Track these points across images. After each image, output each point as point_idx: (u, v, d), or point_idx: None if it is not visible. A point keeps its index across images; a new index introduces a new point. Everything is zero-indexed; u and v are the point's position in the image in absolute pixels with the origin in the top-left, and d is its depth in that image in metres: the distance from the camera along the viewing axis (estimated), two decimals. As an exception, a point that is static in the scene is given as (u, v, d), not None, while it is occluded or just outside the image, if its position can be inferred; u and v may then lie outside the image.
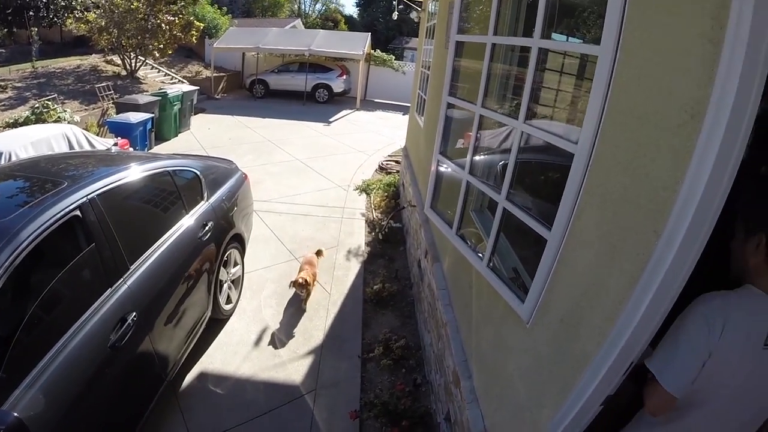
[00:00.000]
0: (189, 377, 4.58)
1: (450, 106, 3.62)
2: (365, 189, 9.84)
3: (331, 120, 17.60)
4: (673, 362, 1.77)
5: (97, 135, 11.40)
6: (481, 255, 2.86)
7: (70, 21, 18.87)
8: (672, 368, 1.78)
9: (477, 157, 3.19)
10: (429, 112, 6.25)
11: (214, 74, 21.72)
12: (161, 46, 18.18)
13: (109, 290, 3.28)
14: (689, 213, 1.39)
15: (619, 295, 1.64)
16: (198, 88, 16.10)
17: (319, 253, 6.42)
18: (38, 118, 11.72)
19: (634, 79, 1.65)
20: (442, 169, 3.79)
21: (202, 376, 4.61)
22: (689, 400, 1.82)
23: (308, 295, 5.63)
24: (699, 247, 1.45)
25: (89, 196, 3.34)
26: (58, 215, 3.03)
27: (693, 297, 1.76)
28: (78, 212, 3.19)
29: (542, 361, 2.17)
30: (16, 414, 2.28)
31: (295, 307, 5.63)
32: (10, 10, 21.37)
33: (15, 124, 11.34)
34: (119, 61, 19.38)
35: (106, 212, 3.44)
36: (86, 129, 11.83)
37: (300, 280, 5.45)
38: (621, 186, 1.67)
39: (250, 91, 22.42)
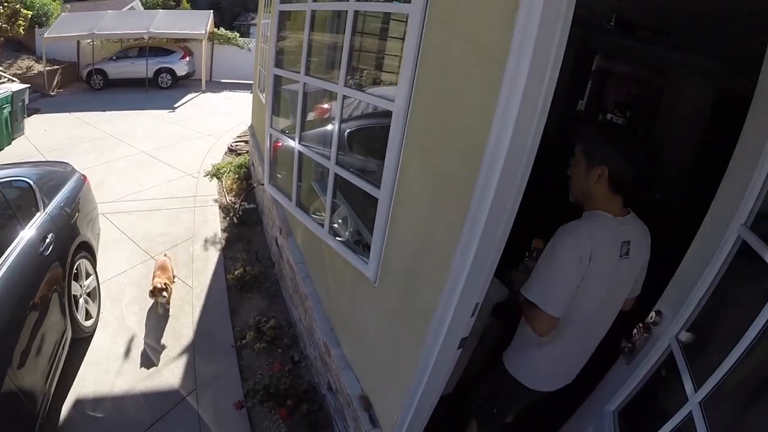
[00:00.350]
0: (65, 408, 4.30)
1: (278, 78, 3.63)
2: (216, 174, 9.60)
3: (176, 106, 16.72)
4: (552, 290, 2.06)
5: None
6: (322, 222, 2.93)
7: None
8: (552, 296, 2.06)
9: (310, 132, 3.24)
10: (269, 87, 6.19)
11: (47, 68, 19.15)
12: None
13: None
14: (501, 156, 1.52)
15: (449, 243, 1.77)
16: (29, 85, 14.29)
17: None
18: None
19: (442, 33, 1.75)
20: (279, 142, 3.81)
21: (78, 404, 4.36)
22: (566, 316, 2.12)
23: (169, 297, 5.42)
24: (516, 190, 1.58)
25: None
26: None
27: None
28: None
29: (395, 315, 2.33)
30: None
31: (160, 309, 5.47)
32: None
33: None
34: None
35: None
36: None
37: (158, 285, 5.22)
38: (437, 137, 1.79)
39: (87, 83, 20.23)
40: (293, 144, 3.30)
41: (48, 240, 4.30)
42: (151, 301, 5.55)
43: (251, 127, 9.39)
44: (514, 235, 1.80)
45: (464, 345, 2.07)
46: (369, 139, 2.88)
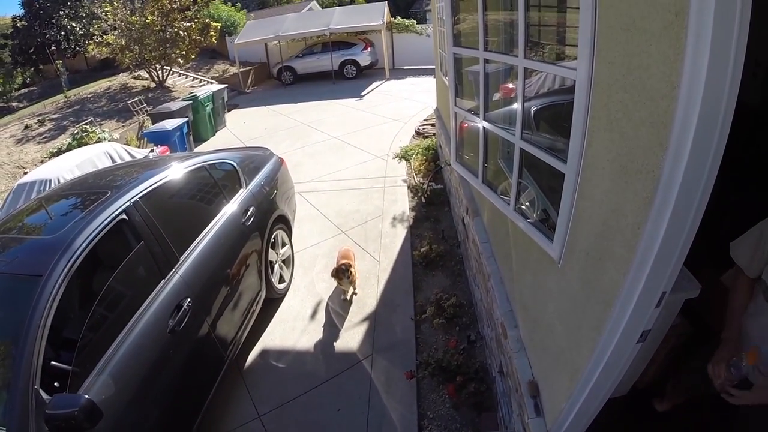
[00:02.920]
0: (252, 355, 4.81)
1: (458, 57, 3.61)
2: (404, 156, 9.81)
3: (362, 94, 17.49)
4: None
5: (138, 147, 11.82)
6: (508, 200, 2.86)
7: (91, 47, 19.40)
8: None
9: (492, 112, 3.17)
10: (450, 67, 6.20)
11: (241, 69, 21.89)
12: (183, 52, 18.56)
13: (163, 281, 3.52)
14: (693, 118, 1.29)
15: (637, 218, 1.59)
16: (227, 85, 16.36)
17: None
18: (79, 142, 12.23)
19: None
20: (466, 122, 3.79)
21: (264, 353, 4.83)
22: None
23: (353, 283, 5.39)
24: (713, 155, 1.36)
25: (132, 200, 3.62)
26: (106, 221, 3.34)
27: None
28: (124, 215, 3.48)
29: (575, 299, 2.18)
30: (87, 396, 2.47)
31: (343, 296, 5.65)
32: (32, 49, 22.13)
33: (59, 153, 11.87)
34: (146, 75, 19.90)
35: (151, 212, 3.70)
36: (126, 144, 12.29)
37: (341, 266, 5.21)
38: (622, 104, 1.62)
39: (278, 80, 22.46)
40: (478, 121, 3.26)
41: (249, 213, 4.84)
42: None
43: (437, 110, 9.42)
44: (711, 225, 1.59)
45: (645, 339, 1.88)
46: (555, 116, 2.70)
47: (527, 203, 2.78)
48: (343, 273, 5.17)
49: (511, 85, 3.13)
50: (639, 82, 1.51)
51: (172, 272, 3.62)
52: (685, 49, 1.27)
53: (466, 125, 3.82)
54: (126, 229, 3.47)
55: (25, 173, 10.94)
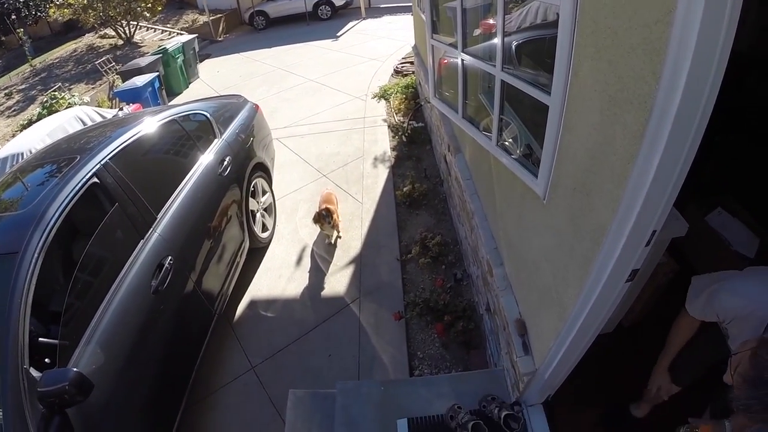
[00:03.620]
0: (240, 307, 4.82)
1: None
2: (383, 95, 9.63)
3: (338, 34, 16.98)
4: None
5: (110, 108, 11.50)
6: (490, 136, 2.79)
7: (52, 10, 18.53)
8: None
9: (472, 46, 3.06)
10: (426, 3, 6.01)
11: (211, 18, 20.82)
12: (149, 5, 17.73)
13: (141, 242, 3.44)
14: (690, 43, 1.22)
15: (627, 152, 1.52)
16: (196, 35, 15.70)
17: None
18: (50, 110, 11.85)
19: None
20: (439, 54, 3.69)
21: (252, 304, 4.83)
22: None
23: (336, 228, 5.31)
24: (710, 86, 1.28)
25: (102, 162, 3.49)
26: (77, 187, 3.22)
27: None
28: (95, 179, 3.35)
29: (562, 237, 2.13)
30: (75, 369, 2.43)
31: (327, 240, 5.61)
32: None
33: (29, 124, 11.47)
34: (113, 33, 19.13)
35: (123, 172, 3.57)
36: (98, 105, 11.96)
37: (322, 211, 5.09)
38: (611, 30, 1.52)
39: (251, 25, 21.53)
40: (457, 54, 3.15)
41: (225, 162, 4.72)
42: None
43: (415, 47, 9.20)
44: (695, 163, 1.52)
45: (634, 278, 1.85)
46: (537, 50, 2.60)
47: (510, 139, 2.71)
48: (323, 218, 5.08)
49: (491, 21, 3.01)
50: (630, 6, 1.40)
51: (150, 231, 3.53)
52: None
53: (446, 61, 3.71)
54: (99, 193, 3.36)
55: None
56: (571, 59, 1.80)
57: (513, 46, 2.50)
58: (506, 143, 2.70)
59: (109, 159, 3.54)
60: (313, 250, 5.42)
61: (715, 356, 2.38)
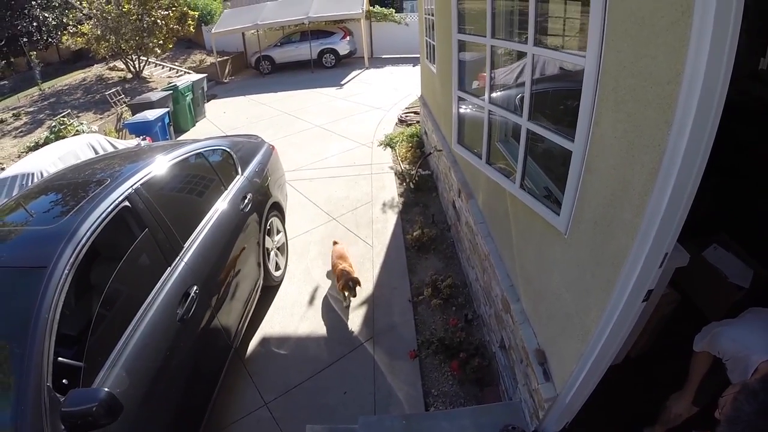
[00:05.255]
0: (252, 343, 4.85)
1: (461, 44, 3.70)
2: (389, 143, 9.88)
3: (342, 83, 17.42)
4: None
5: (118, 138, 11.64)
6: (512, 179, 2.97)
7: (65, 38, 18.92)
8: None
9: (495, 94, 3.27)
10: (440, 56, 6.26)
11: (218, 59, 21.52)
12: (161, 42, 18.14)
13: (169, 269, 3.50)
14: (694, 99, 1.49)
15: (644, 187, 1.75)
16: (206, 75, 16.11)
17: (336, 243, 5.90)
18: (57, 135, 12.00)
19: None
20: (463, 106, 3.89)
21: (265, 341, 4.87)
22: None
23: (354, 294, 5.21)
24: (709, 132, 1.56)
25: (134, 187, 3.56)
26: (109, 209, 3.25)
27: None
28: (127, 203, 3.41)
29: (584, 266, 2.29)
30: (107, 390, 2.41)
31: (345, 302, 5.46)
32: (2, 42, 21.45)
33: (36, 147, 11.68)
34: (123, 66, 19.56)
35: (153, 199, 3.66)
36: (106, 135, 12.12)
37: (349, 283, 5.03)
38: (630, 88, 1.77)
39: (256, 69, 22.23)
40: (481, 104, 3.35)
41: (247, 199, 4.85)
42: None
43: (421, 97, 9.49)
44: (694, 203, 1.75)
45: (649, 298, 2.02)
46: (552, 100, 2.84)
47: (531, 181, 2.88)
48: (350, 289, 5.04)
49: (510, 69, 3.23)
50: (646, 69, 1.67)
51: (177, 259, 3.61)
52: (689, 42, 1.46)
53: (466, 110, 3.91)
54: (129, 217, 3.42)
55: (2, 168, 10.73)
56: (594, 111, 2.03)
57: (537, 96, 2.70)
58: (528, 185, 2.87)
59: (140, 184, 3.63)
60: (326, 290, 5.51)
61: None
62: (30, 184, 6.83)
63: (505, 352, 3.66)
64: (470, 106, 3.85)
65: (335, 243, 5.82)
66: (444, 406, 3.90)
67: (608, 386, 2.54)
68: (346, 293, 5.04)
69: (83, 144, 8.60)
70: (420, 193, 7.52)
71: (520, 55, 2.86)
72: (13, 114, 15.91)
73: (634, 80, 1.74)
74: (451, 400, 3.93)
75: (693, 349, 2.56)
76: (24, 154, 11.82)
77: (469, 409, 3.45)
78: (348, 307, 5.17)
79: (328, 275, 5.69)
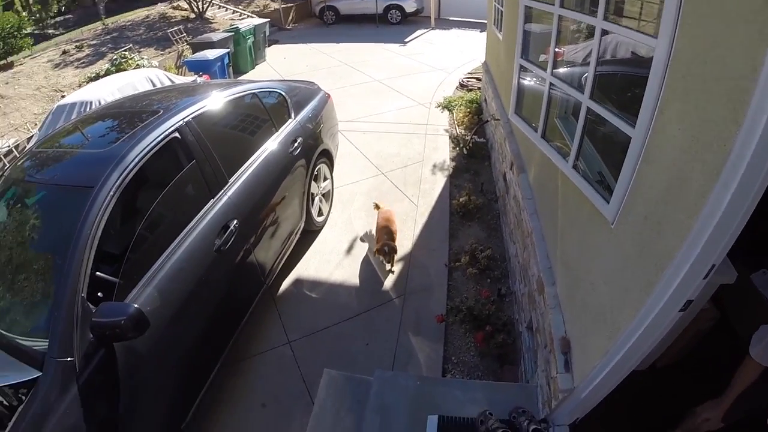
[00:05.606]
0: (285, 283, 4.97)
1: (528, 11, 3.60)
2: (447, 106, 9.67)
3: (406, 40, 16.98)
4: None
5: (177, 75, 11.82)
6: (566, 159, 2.87)
7: None
8: None
9: (558, 69, 3.16)
10: (507, 22, 6.04)
11: (282, 5, 21.29)
12: None
13: (212, 201, 3.61)
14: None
15: (702, 187, 1.62)
16: (269, 20, 16.06)
17: (376, 207, 5.76)
18: (118, 68, 12.24)
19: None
20: (525, 77, 3.79)
21: (298, 282, 4.98)
22: None
23: (392, 262, 5.02)
24: None
25: (185, 120, 3.66)
26: (159, 138, 3.37)
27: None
28: (177, 134, 3.52)
29: (626, 261, 2.20)
30: (136, 306, 2.54)
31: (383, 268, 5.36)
32: None
33: (97, 77, 11.91)
34: (186, 6, 19.65)
35: (203, 132, 3.75)
36: (165, 71, 12.32)
37: (385, 247, 4.86)
38: (701, 78, 1.63)
39: (320, 19, 21.82)
40: (542, 75, 3.24)
41: (296, 143, 4.89)
42: (376, 214, 5.87)
43: (485, 64, 9.21)
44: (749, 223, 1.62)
45: (687, 309, 1.92)
46: (618, 84, 2.70)
47: (584, 163, 2.78)
48: (385, 254, 4.89)
49: (581, 49, 3.10)
50: (721, 60, 1.53)
51: (221, 193, 3.70)
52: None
53: (527, 79, 3.80)
54: (178, 148, 3.53)
55: (63, 96, 11.06)
56: (660, 98, 1.89)
57: (601, 77, 2.58)
58: (581, 167, 2.77)
59: (192, 118, 3.72)
60: (363, 241, 5.55)
61: (765, 401, 2.42)
62: (88, 111, 7.03)
63: (531, 333, 3.62)
64: (532, 78, 3.74)
65: (378, 207, 5.77)
66: (461, 375, 3.91)
67: (626, 391, 2.47)
68: (381, 258, 4.99)
69: (142, 77, 8.81)
70: (472, 159, 7.39)
71: (588, 35, 2.73)
72: (76, 46, 16.31)
73: (706, 70, 1.60)
74: (469, 371, 3.94)
75: (748, 352, 2.38)
76: (84, 83, 12.12)
77: (485, 383, 3.45)
78: (388, 270, 5.08)
79: (365, 238, 5.67)
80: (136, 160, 3.13)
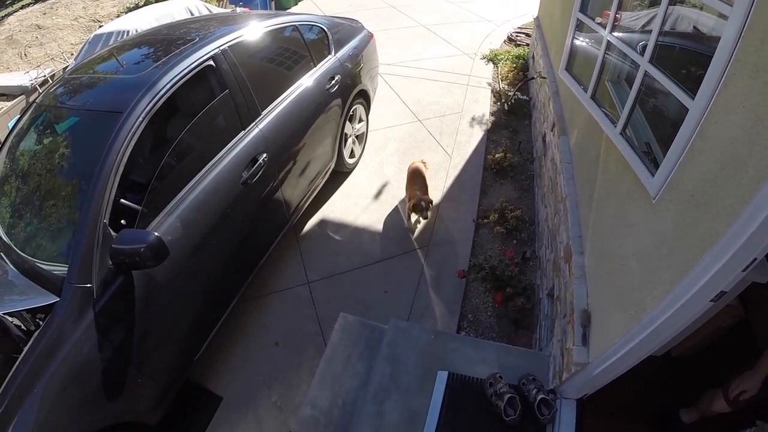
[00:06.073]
0: (310, 223, 4.96)
1: None
2: (492, 59, 9.30)
3: None
4: None
5: (218, 7, 11.64)
6: (614, 123, 2.74)
7: None
8: None
9: (616, 33, 3.00)
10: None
11: None
12: None
13: (242, 132, 3.56)
14: None
15: (759, 173, 1.50)
16: None
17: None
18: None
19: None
20: (579, 36, 3.62)
21: (323, 223, 4.97)
22: None
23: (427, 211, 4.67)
24: None
25: (221, 47, 3.57)
26: (193, 65, 3.30)
27: None
28: (211, 62, 3.44)
29: (664, 239, 2.09)
30: (157, 234, 2.52)
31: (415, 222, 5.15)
32: None
33: (136, 7, 11.78)
34: None
35: (238, 62, 3.65)
36: (205, 2, 12.14)
37: (421, 203, 4.56)
38: None
39: None
40: (603, 33, 3.08)
41: (334, 81, 4.76)
42: (410, 156, 5.81)
43: (537, 19, 8.84)
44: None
45: (718, 300, 1.82)
46: (681, 54, 2.54)
47: (632, 132, 2.65)
48: (422, 210, 4.58)
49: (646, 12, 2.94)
50: None
51: (252, 125, 3.64)
52: None
53: (581, 40, 3.65)
54: (212, 76, 3.45)
55: (100, 26, 10.98)
56: (726, 71, 1.74)
57: (663, 46, 2.43)
58: (629, 134, 2.64)
59: (228, 46, 3.62)
60: (393, 189, 5.48)
61: None
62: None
63: (551, 301, 3.55)
64: (587, 38, 3.58)
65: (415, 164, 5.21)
66: (475, 334, 3.90)
67: (639, 375, 2.43)
68: (415, 214, 4.76)
69: (181, 7, 8.73)
70: (513, 116, 7.17)
71: (652, 3, 2.61)
72: None
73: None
74: (484, 331, 3.92)
75: None
76: (123, 14, 11.99)
77: (498, 345, 3.40)
78: (412, 230, 4.93)
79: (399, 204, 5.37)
80: (168, 86, 3.07)
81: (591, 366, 2.52)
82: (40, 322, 2.38)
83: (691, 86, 1.98)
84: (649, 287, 2.13)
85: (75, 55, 8.95)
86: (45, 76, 9.34)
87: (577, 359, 2.60)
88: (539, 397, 2.77)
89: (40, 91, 8.32)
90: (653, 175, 2.23)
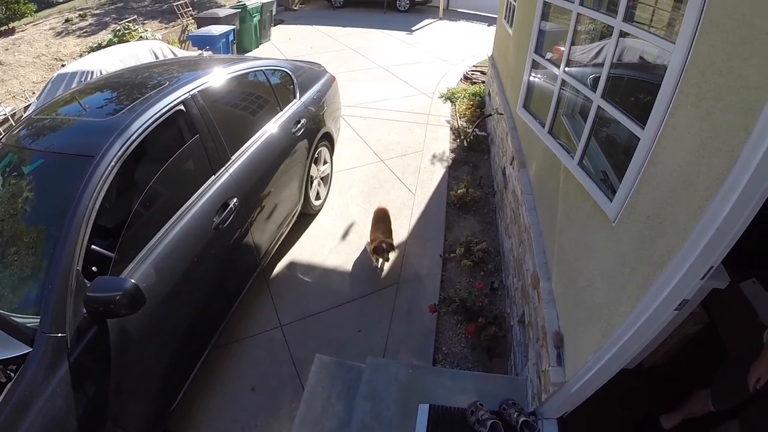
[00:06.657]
0: (280, 266, 4.96)
1: (546, 8, 3.60)
2: (450, 97, 9.64)
3: (413, 29, 16.79)
4: None
5: (181, 49, 11.73)
6: (572, 155, 2.88)
7: None
8: None
9: (570, 68, 3.17)
10: (519, 18, 6.02)
11: None
12: None
13: (213, 177, 3.58)
14: None
15: (708, 190, 1.64)
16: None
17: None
18: (120, 39, 12.20)
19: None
20: (535, 73, 3.79)
21: (292, 265, 4.97)
22: None
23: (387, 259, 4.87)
24: None
25: (191, 92, 3.60)
26: (163, 110, 3.31)
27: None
28: (181, 107, 3.46)
29: (625, 258, 2.21)
30: (133, 281, 2.47)
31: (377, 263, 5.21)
32: None
33: (99, 48, 11.85)
34: None
35: (208, 107, 3.69)
36: (169, 45, 12.27)
37: (383, 245, 4.68)
38: (715, 85, 1.66)
39: (328, 1, 21.44)
40: (557, 72, 3.25)
41: (300, 124, 4.85)
42: (374, 197, 5.91)
43: (492, 58, 9.18)
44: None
45: (682, 308, 1.94)
46: (629, 86, 2.71)
47: (588, 162, 2.80)
48: (382, 252, 4.71)
49: (595, 49, 3.11)
50: (736, 70, 1.57)
51: (222, 170, 3.67)
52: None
53: (537, 77, 3.82)
54: (182, 121, 3.48)
55: (63, 65, 10.94)
56: (672, 101, 1.91)
57: (614, 78, 2.59)
58: (586, 164, 2.79)
59: (198, 91, 3.66)
60: (359, 228, 5.53)
61: None
62: (89, 80, 6.94)
63: (523, 327, 3.64)
64: (542, 75, 3.76)
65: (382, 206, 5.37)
66: (451, 366, 3.93)
67: (614, 388, 2.50)
68: (377, 257, 4.87)
69: (145, 49, 8.75)
70: (472, 152, 7.39)
71: (604, 35, 2.78)
72: (80, 14, 16.19)
73: (721, 79, 1.63)
74: (459, 362, 3.96)
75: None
76: (86, 53, 12.04)
77: (476, 374, 3.46)
78: (377, 267, 5.02)
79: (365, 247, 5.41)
80: (140, 131, 3.07)
81: (568, 385, 2.59)
82: (12, 374, 2.29)
83: (640, 113, 2.14)
84: (616, 304, 2.24)
85: (37, 94, 8.85)
86: (5, 114, 9.21)
87: (554, 379, 2.67)
88: (521, 419, 2.82)
89: (1, 132, 8.24)
90: (611, 201, 2.37)
